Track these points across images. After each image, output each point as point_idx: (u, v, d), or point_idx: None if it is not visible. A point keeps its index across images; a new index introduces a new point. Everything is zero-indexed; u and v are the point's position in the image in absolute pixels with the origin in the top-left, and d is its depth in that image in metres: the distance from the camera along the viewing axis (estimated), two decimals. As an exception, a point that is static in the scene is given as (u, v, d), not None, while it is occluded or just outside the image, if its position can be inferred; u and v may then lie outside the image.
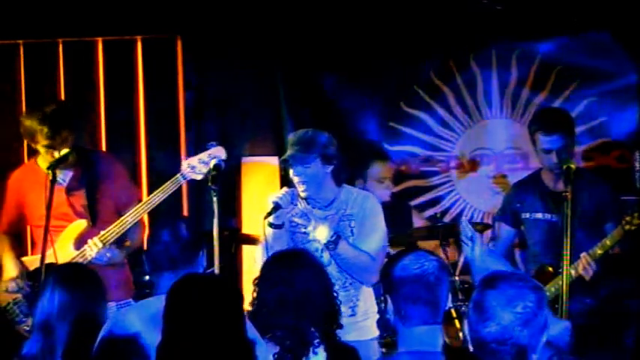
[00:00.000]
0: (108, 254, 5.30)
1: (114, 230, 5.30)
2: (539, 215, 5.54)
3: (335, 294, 4.10)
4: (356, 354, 4.05)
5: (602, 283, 5.24)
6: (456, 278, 6.51)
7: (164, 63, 7.45)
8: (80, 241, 5.37)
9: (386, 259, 4.85)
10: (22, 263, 5.46)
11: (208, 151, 5.26)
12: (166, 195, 5.33)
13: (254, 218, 6.70)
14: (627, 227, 5.13)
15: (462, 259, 6.28)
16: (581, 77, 7.33)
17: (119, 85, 7.40)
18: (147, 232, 5.52)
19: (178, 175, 5.25)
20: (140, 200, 5.48)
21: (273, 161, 7.22)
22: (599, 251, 5.18)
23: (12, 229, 5.65)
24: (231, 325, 3.26)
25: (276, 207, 4.93)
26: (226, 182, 5.24)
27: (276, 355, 3.86)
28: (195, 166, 5.26)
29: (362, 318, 5.02)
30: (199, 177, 5.24)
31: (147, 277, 5.87)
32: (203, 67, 7.51)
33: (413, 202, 7.40)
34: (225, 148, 5.33)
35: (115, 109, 7.46)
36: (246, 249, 7.09)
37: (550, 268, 5.38)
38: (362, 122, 7.63)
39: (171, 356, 3.23)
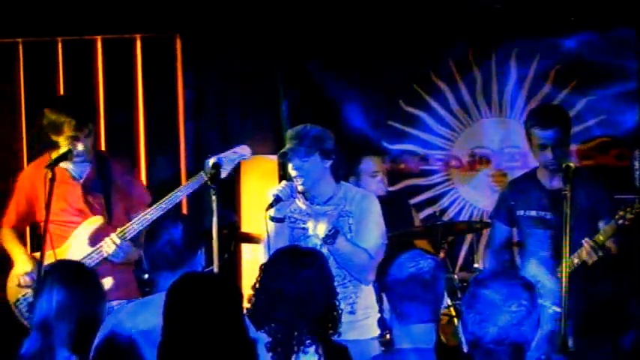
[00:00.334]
0: (124, 251, 5.29)
1: (133, 227, 5.28)
2: (534, 213, 5.54)
3: (336, 301, 4.08)
4: (347, 354, 4.05)
5: (601, 279, 5.25)
6: (455, 277, 6.53)
7: (163, 61, 7.45)
8: (95, 238, 5.35)
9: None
10: (34, 258, 5.45)
11: (233, 149, 5.26)
12: (188, 192, 5.34)
13: (253, 216, 6.71)
14: (621, 222, 5.15)
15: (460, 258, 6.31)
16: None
17: (118, 83, 7.40)
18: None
19: (202, 172, 5.23)
20: (151, 203, 5.49)
21: (273, 159, 7.23)
22: (602, 237, 5.18)
23: (20, 224, 5.63)
24: (231, 323, 3.27)
25: (277, 200, 4.91)
26: (226, 181, 5.23)
27: (268, 345, 3.86)
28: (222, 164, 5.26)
29: (362, 317, 4.99)
30: (224, 174, 5.21)
31: (146, 276, 5.88)
32: (202, 65, 7.52)
33: (412, 201, 7.41)
34: (225, 147, 5.33)
35: (114, 107, 7.47)
36: (245, 247, 7.10)
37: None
38: (361, 120, 7.64)
39: (172, 355, 3.23)
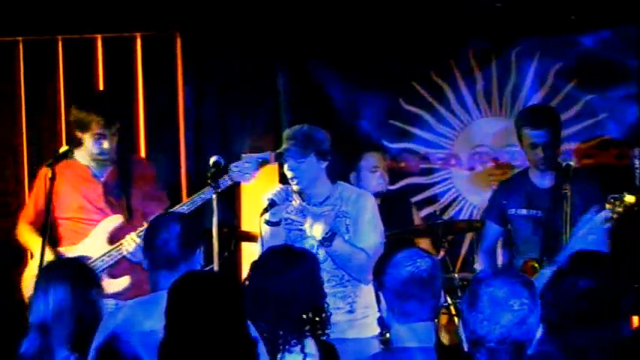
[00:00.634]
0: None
1: None
2: (525, 212, 5.58)
3: (324, 303, 4.07)
4: (335, 352, 4.04)
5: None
6: (455, 275, 6.52)
7: (164, 60, 7.45)
8: (114, 236, 5.36)
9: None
10: (54, 252, 5.45)
11: (257, 154, 5.27)
12: (209, 196, 5.33)
13: (253, 216, 6.70)
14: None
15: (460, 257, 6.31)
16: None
17: (119, 81, 7.40)
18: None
19: (226, 176, 5.25)
20: (169, 206, 5.49)
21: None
22: None
23: (39, 220, 5.62)
24: (233, 322, 3.27)
25: (272, 204, 4.93)
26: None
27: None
28: (242, 167, 5.27)
29: (361, 315, 5.00)
30: (247, 177, 5.21)
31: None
32: (202, 64, 7.51)
33: (412, 200, 7.40)
34: (225, 146, 5.34)
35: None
36: (246, 246, 7.09)
37: (535, 264, 5.43)
38: (361, 119, 7.64)
39: (174, 354, 3.23)
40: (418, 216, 6.83)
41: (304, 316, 3.92)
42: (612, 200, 5.01)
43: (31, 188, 6.11)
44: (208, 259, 4.78)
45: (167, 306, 3.32)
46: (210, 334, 3.21)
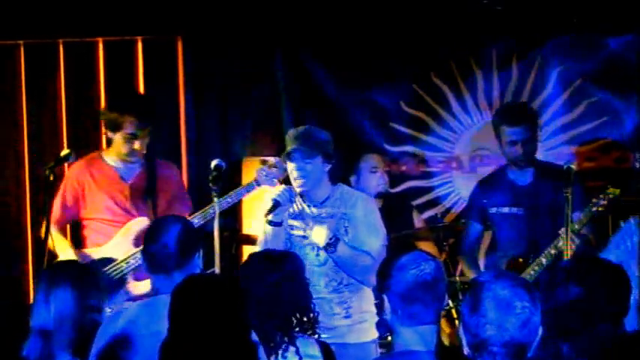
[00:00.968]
0: None
1: None
2: (506, 209, 5.61)
3: (310, 302, 4.07)
4: (332, 353, 4.05)
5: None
6: (457, 279, 6.52)
7: (164, 64, 7.45)
8: (139, 238, 5.32)
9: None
10: (81, 254, 5.45)
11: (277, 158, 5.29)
12: (237, 200, 5.39)
13: (254, 219, 6.71)
14: (594, 209, 5.25)
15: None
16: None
17: (119, 85, 7.40)
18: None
19: (252, 181, 5.25)
20: (192, 210, 5.50)
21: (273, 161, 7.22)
22: (577, 226, 5.25)
23: (64, 221, 5.62)
24: (235, 325, 3.27)
25: (276, 204, 4.95)
26: (227, 182, 5.24)
27: None
28: (269, 172, 5.28)
29: (358, 320, 5.01)
30: (275, 182, 5.24)
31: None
32: (203, 66, 7.51)
33: (413, 203, 7.40)
34: (226, 147, 5.35)
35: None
36: (247, 249, 7.09)
37: (521, 260, 5.45)
38: (362, 122, 7.63)
39: (175, 357, 3.23)
40: (419, 219, 6.83)
41: (293, 318, 3.93)
42: (597, 194, 5.11)
43: (34, 188, 6.13)
44: (209, 263, 4.79)
45: (169, 309, 3.32)
46: (211, 337, 3.22)
